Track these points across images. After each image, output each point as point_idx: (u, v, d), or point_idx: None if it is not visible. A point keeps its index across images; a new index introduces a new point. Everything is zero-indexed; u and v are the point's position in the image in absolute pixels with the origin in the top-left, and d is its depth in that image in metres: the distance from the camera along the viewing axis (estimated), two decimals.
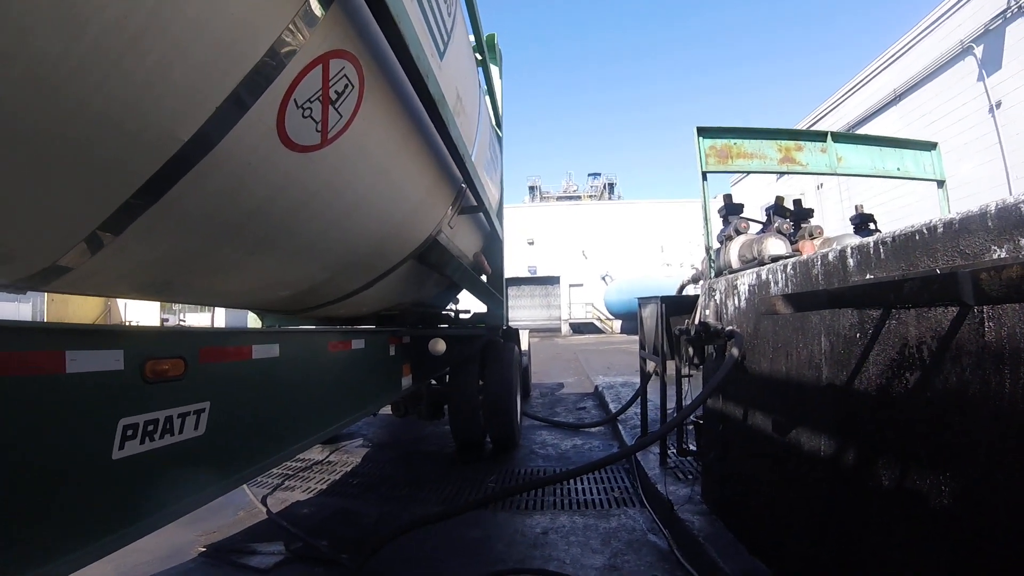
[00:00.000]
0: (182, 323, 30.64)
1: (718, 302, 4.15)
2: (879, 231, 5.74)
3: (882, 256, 2.14)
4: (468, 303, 8.02)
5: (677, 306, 5.42)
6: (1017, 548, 1.54)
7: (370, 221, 3.45)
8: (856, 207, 6.51)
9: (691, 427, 4.96)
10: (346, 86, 2.33)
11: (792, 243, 5.14)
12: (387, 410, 7.18)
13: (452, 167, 4.27)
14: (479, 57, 7.37)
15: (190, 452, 2.04)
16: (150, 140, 1.69)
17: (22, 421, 1.43)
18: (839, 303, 2.35)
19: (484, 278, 7.29)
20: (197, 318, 32.74)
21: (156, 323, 27.55)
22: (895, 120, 18.82)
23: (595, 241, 44.36)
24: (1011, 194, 1.69)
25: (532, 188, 61.17)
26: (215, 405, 2.16)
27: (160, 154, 1.75)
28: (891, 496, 2.09)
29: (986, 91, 14.97)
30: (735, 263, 5.18)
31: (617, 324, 40.62)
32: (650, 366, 6.29)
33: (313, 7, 1.96)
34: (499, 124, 8.57)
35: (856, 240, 2.42)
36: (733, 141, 5.34)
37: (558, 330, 43.56)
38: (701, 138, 5.25)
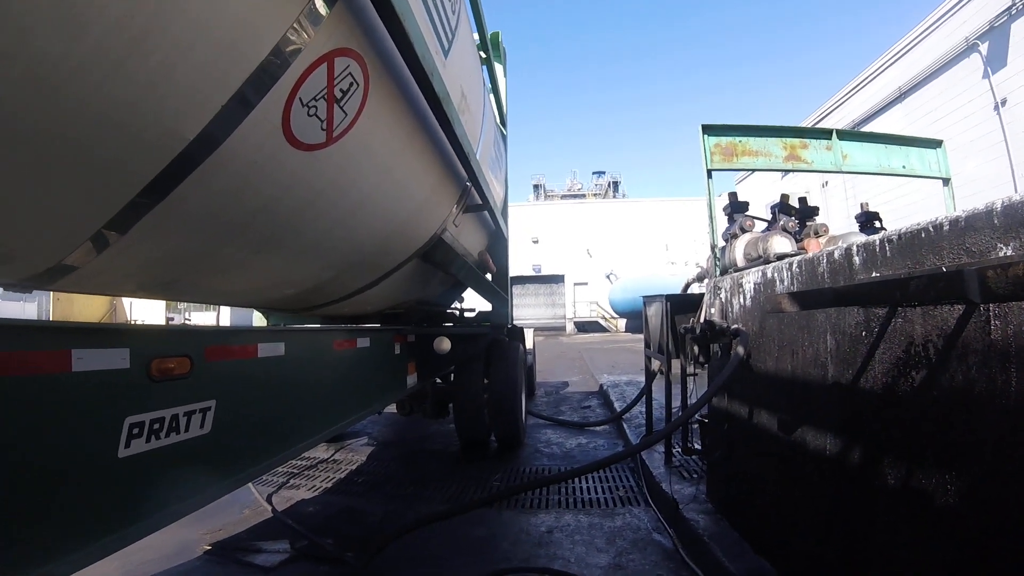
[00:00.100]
0: (187, 322, 30.67)
1: (723, 300, 4.14)
2: (884, 229, 5.72)
3: (888, 254, 2.13)
4: (473, 301, 8.02)
5: (682, 305, 5.41)
6: None
7: (375, 219, 3.45)
8: (861, 205, 6.47)
9: (696, 426, 4.96)
10: (351, 84, 2.33)
11: (797, 241, 5.12)
12: (392, 408, 7.18)
13: (457, 165, 4.26)
14: (483, 55, 7.36)
15: (196, 450, 2.04)
16: (155, 139, 1.69)
17: (28, 420, 1.43)
18: (845, 301, 2.35)
19: (489, 276, 7.29)
20: (202, 317, 32.80)
21: (161, 322, 27.61)
22: (900, 118, 18.74)
23: (600, 240, 44.29)
24: (1017, 192, 1.69)
25: (536, 187, 61.11)
26: (221, 403, 2.16)
27: (165, 153, 1.75)
28: (897, 495, 2.08)
29: (991, 88, 14.90)
30: (740, 261, 5.16)
31: (622, 323, 40.60)
32: (655, 365, 6.29)
33: (317, 5, 1.96)
34: (503, 122, 8.56)
35: (861, 238, 2.41)
36: (738, 139, 5.32)
37: (563, 329, 43.51)
38: (706, 136, 5.23)
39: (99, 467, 1.63)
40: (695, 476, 4.86)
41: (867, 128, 19.62)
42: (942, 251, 1.85)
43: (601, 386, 11.28)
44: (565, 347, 26.29)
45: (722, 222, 5.78)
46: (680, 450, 5.32)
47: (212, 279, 2.98)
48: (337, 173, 2.67)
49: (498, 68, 8.52)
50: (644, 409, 6.80)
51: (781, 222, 5.46)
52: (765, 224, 5.89)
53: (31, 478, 1.44)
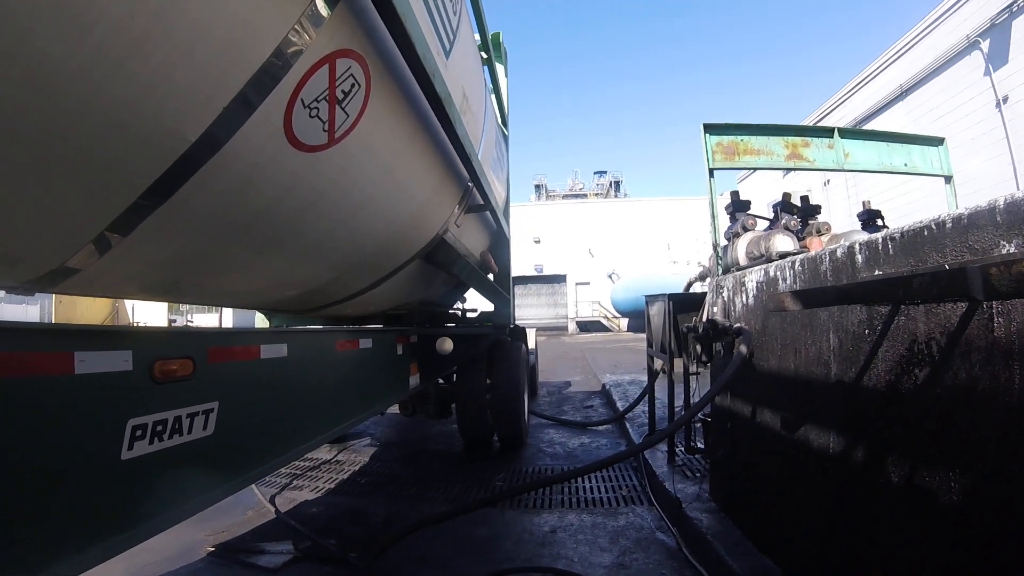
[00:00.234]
0: (189, 323, 30.71)
1: (726, 299, 4.14)
2: (886, 227, 5.71)
3: (890, 252, 2.13)
4: (475, 302, 8.02)
5: (684, 304, 5.40)
6: None
7: (377, 220, 3.46)
8: (863, 203, 6.46)
9: (699, 425, 4.95)
10: (352, 85, 2.33)
11: (799, 240, 5.11)
12: (395, 409, 7.19)
13: (458, 166, 4.26)
14: (484, 56, 7.36)
15: (199, 452, 2.04)
16: (157, 141, 1.69)
17: (32, 422, 1.44)
18: (848, 299, 2.35)
19: (491, 277, 7.29)
20: (205, 319, 32.85)
21: (164, 324, 27.65)
22: (902, 116, 18.70)
23: (601, 239, 44.26)
24: (1019, 189, 1.68)
25: (538, 187, 61.09)
26: (224, 405, 2.17)
27: (167, 155, 1.76)
28: (900, 493, 2.08)
29: (993, 86, 14.87)
30: (742, 260, 5.15)
31: (624, 322, 40.58)
32: (657, 364, 6.28)
33: (319, 7, 1.96)
34: (505, 123, 8.56)
35: (864, 236, 2.40)
36: (740, 137, 5.31)
37: (565, 328, 43.50)
38: (708, 135, 5.23)
39: (102, 469, 1.64)
40: (698, 475, 4.85)
41: (869, 126, 19.59)
42: (945, 249, 1.84)
43: (603, 385, 11.27)
44: (567, 347, 26.29)
45: (724, 221, 5.77)
46: (683, 449, 5.31)
47: (214, 281, 2.98)
48: (339, 174, 2.67)
49: (499, 68, 8.52)
50: (647, 408, 6.79)
51: (783, 221, 5.45)
52: (767, 223, 5.88)
53: (34, 480, 1.44)
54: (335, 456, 6.81)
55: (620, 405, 8.53)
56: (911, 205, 15.95)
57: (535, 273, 44.37)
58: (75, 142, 1.53)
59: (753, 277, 3.57)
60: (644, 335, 6.99)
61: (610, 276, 43.08)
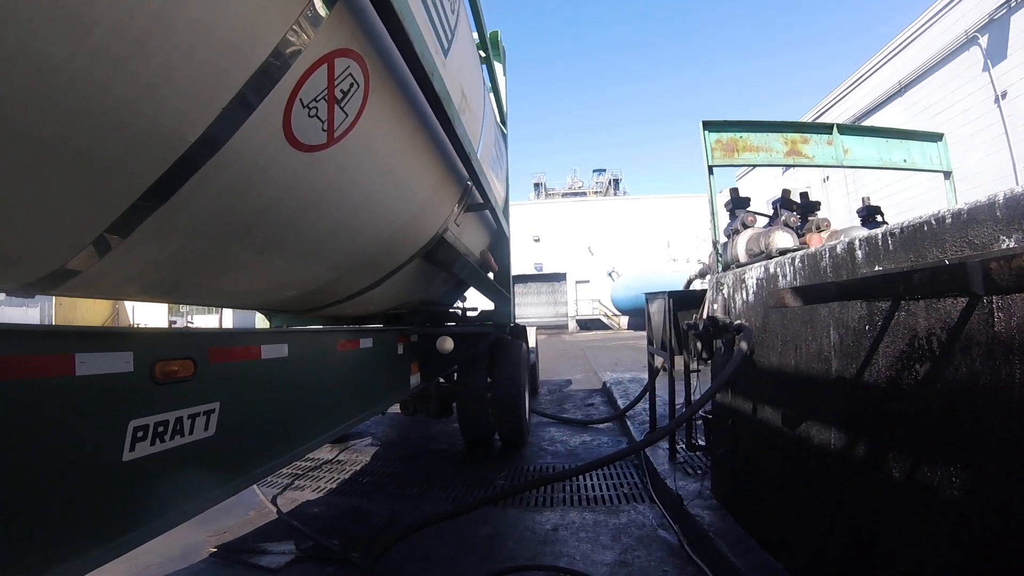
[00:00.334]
0: (190, 324, 30.71)
1: (726, 296, 4.14)
2: (886, 223, 5.70)
3: (890, 248, 2.13)
4: (475, 301, 8.02)
5: (684, 301, 5.40)
6: None
7: (377, 220, 3.46)
8: (863, 199, 6.46)
9: (700, 422, 4.96)
10: (351, 85, 2.33)
11: (799, 236, 5.11)
12: (396, 409, 7.19)
13: (458, 165, 4.26)
14: (483, 54, 7.35)
15: (200, 453, 2.04)
16: (156, 142, 1.70)
17: (32, 424, 1.43)
18: (848, 295, 2.35)
19: (491, 275, 7.29)
20: (205, 320, 32.83)
21: (164, 325, 27.64)
22: (900, 112, 18.70)
23: (601, 237, 44.25)
24: (1018, 184, 1.68)
25: (537, 185, 61.08)
26: (225, 405, 2.17)
27: (167, 156, 1.76)
28: (901, 489, 2.08)
29: (991, 81, 14.86)
30: (742, 257, 5.15)
31: (624, 320, 40.55)
32: (658, 361, 6.29)
33: (317, 7, 1.96)
34: (504, 121, 8.55)
35: (863, 232, 2.40)
36: (739, 134, 5.32)
37: (565, 327, 43.51)
38: (707, 132, 5.23)
39: (104, 471, 1.64)
40: (699, 472, 4.85)
41: (868, 122, 19.58)
42: (945, 244, 1.84)
43: (604, 383, 11.27)
44: (568, 345, 26.28)
45: (724, 218, 5.77)
46: (684, 446, 5.32)
47: (215, 281, 2.98)
48: (338, 174, 2.67)
49: (498, 67, 8.51)
50: (647, 406, 6.79)
51: (783, 217, 5.45)
52: (767, 220, 5.88)
53: (36, 482, 1.44)
54: (336, 456, 6.81)
55: (621, 403, 8.53)
56: (910, 201, 15.96)
57: (535, 272, 44.37)
58: (75, 143, 1.53)
59: (753, 274, 3.57)
60: (644, 333, 6.99)
61: (610, 274, 43.07)
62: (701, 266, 8.02)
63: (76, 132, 1.50)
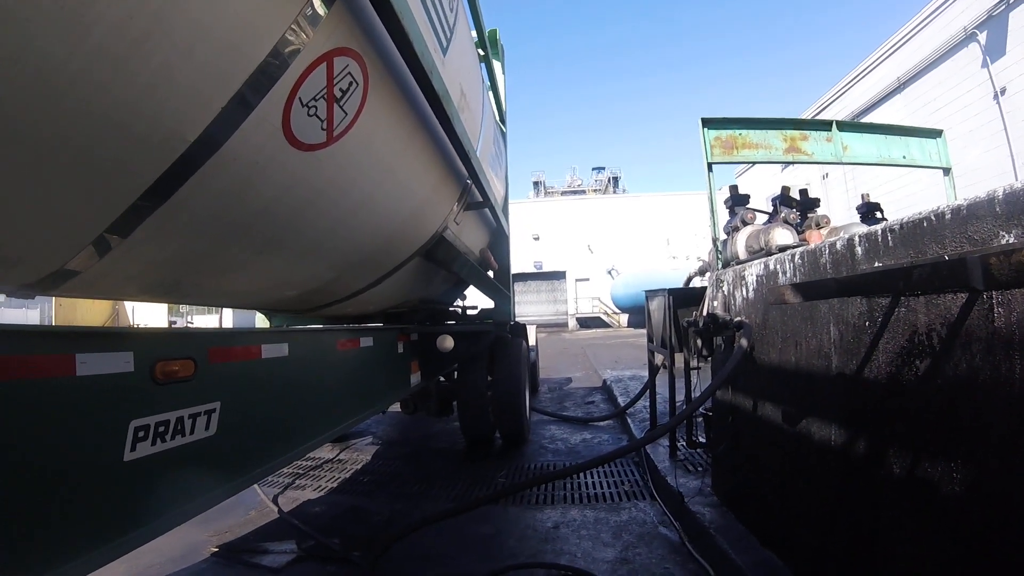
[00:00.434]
0: (190, 324, 30.69)
1: (726, 293, 4.14)
2: (886, 219, 5.70)
3: (890, 244, 2.13)
4: (475, 299, 8.02)
5: (684, 298, 5.41)
6: None
7: (377, 218, 3.46)
8: (862, 196, 6.46)
9: (700, 419, 4.96)
10: (350, 84, 2.33)
11: (799, 233, 5.11)
12: (396, 407, 7.19)
13: (457, 163, 4.26)
14: (482, 53, 7.35)
15: (201, 452, 2.04)
16: (156, 142, 1.69)
17: (33, 424, 1.43)
18: (848, 291, 2.35)
19: (491, 274, 7.29)
20: (205, 320, 32.81)
21: (164, 325, 27.63)
22: (900, 108, 18.71)
23: (600, 235, 44.26)
24: (1017, 179, 1.69)
25: (536, 184, 61.11)
26: (225, 405, 2.16)
27: (166, 156, 1.76)
28: (902, 485, 2.08)
29: (990, 78, 14.87)
30: (742, 254, 5.15)
31: (624, 318, 40.55)
32: (658, 359, 6.29)
33: (316, 6, 1.96)
34: (503, 120, 8.55)
35: (863, 229, 2.41)
36: (738, 132, 5.32)
37: (565, 325, 43.52)
38: (706, 129, 5.24)
39: (105, 471, 1.64)
40: (700, 469, 4.86)
41: (867, 119, 19.57)
42: (944, 240, 1.84)
43: (604, 381, 11.27)
44: (568, 343, 26.28)
45: (723, 215, 5.77)
46: (684, 444, 5.32)
47: (215, 281, 2.98)
48: (338, 173, 2.67)
49: (496, 65, 8.50)
50: (648, 404, 6.80)
51: (782, 214, 5.45)
52: (766, 217, 5.88)
53: (37, 483, 1.44)
54: (337, 455, 6.82)
55: (621, 401, 8.54)
56: (910, 197, 15.97)
57: (535, 270, 44.39)
58: (75, 143, 1.53)
59: (753, 271, 3.57)
60: (644, 330, 6.99)
61: (610, 272, 43.05)
62: (701, 263, 8.02)
63: (76, 132, 1.50)
